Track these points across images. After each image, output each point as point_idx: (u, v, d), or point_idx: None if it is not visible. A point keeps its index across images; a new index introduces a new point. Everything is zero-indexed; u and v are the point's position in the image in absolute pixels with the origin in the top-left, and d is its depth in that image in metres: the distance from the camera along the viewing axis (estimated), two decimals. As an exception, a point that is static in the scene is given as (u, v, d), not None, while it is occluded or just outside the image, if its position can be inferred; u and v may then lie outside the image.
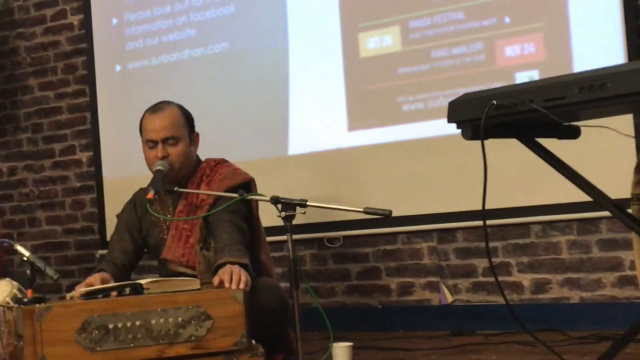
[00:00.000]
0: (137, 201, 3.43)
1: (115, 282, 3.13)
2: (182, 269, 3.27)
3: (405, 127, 4.27)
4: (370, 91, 4.38)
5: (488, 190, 2.34)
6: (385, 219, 3.12)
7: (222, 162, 3.43)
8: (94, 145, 5.20)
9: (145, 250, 3.47)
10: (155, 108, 3.38)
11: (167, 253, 3.32)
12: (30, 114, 5.50)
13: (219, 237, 3.15)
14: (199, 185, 3.32)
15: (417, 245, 4.29)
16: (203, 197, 3.27)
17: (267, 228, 3.43)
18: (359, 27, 4.41)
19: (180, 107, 3.40)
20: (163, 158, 3.27)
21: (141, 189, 3.46)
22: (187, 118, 3.39)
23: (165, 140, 3.30)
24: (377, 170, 4.33)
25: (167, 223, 3.34)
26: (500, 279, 4.05)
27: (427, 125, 4.21)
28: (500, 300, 4.00)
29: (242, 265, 2.94)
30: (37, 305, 2.58)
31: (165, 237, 3.35)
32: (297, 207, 3.01)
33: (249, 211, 3.31)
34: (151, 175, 3.31)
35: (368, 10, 4.38)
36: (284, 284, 3.36)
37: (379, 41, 4.36)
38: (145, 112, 3.39)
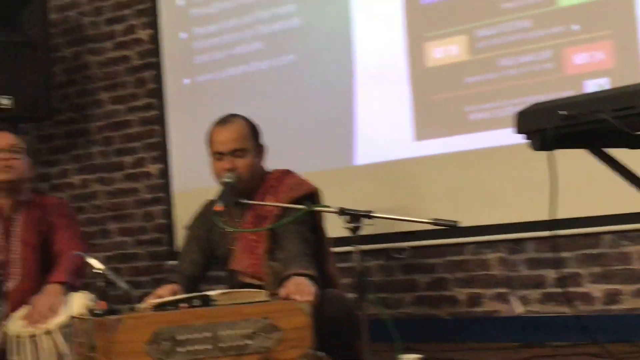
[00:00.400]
0: (206, 213, 3.47)
1: (185, 293, 3.17)
2: (249, 280, 3.30)
3: (473, 137, 4.24)
4: (436, 101, 4.37)
5: (557, 199, 2.32)
6: (453, 229, 3.10)
7: (288, 172, 3.45)
8: (164, 158, 5.27)
9: (214, 261, 3.51)
10: (223, 120, 3.42)
11: (235, 264, 3.35)
12: (101, 127, 5.61)
13: (285, 248, 3.17)
14: (265, 196, 3.35)
15: (486, 255, 4.25)
16: (270, 208, 3.29)
17: (333, 238, 3.44)
18: (425, 36, 4.40)
19: (247, 120, 3.44)
20: (230, 170, 3.31)
21: (209, 200, 3.50)
22: (254, 130, 3.42)
23: (232, 153, 3.33)
24: (444, 180, 4.30)
25: (235, 234, 3.37)
26: (570, 289, 3.99)
27: (494, 134, 4.17)
28: (570, 311, 3.94)
29: (309, 277, 2.95)
30: (109, 317, 2.63)
31: (233, 248, 3.38)
32: (363, 219, 3.01)
33: (315, 222, 3.33)
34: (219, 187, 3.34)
35: (434, 20, 4.36)
36: (352, 295, 3.36)
37: (446, 50, 4.34)
38: (213, 124, 3.43)
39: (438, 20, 4.35)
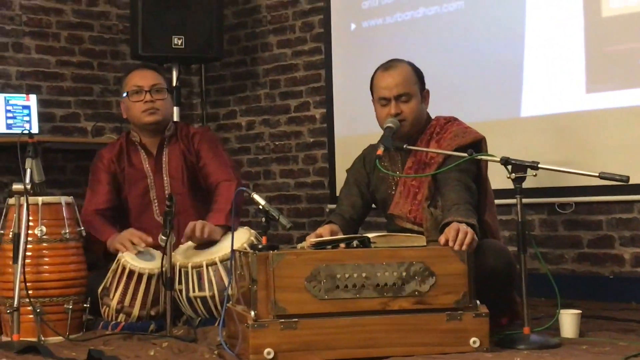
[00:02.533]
0: (367, 157, 3.48)
1: (344, 233, 3.21)
2: (409, 225, 3.29)
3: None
4: (611, 52, 4.18)
5: None
6: (622, 185, 2.98)
7: (453, 120, 3.39)
8: (327, 103, 5.32)
9: (374, 205, 3.53)
10: (387, 66, 3.39)
11: (394, 209, 3.36)
12: (268, 70, 5.71)
13: (446, 195, 3.14)
14: (429, 142, 3.32)
15: (655, 215, 4.08)
16: (432, 155, 3.26)
17: (495, 190, 3.38)
18: (602, -16, 4.21)
19: (411, 65, 3.41)
20: (396, 115, 3.29)
21: (371, 145, 3.50)
22: (419, 75, 3.39)
23: (397, 98, 3.31)
24: (615, 135, 4.13)
25: (396, 179, 3.37)
26: None
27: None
28: None
29: (469, 225, 2.92)
30: (271, 252, 2.70)
31: (393, 192, 3.38)
32: (528, 170, 2.94)
33: (478, 171, 3.28)
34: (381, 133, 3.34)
35: (613, -33, 4.17)
36: (511, 248, 3.31)
37: (624, 0, 4.14)
38: (377, 69, 3.41)
39: (617, -33, 4.15)
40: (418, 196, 3.28)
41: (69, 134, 5.47)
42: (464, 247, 2.78)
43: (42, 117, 5.24)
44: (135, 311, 3.30)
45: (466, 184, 3.16)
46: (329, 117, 5.31)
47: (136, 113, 3.68)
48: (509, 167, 2.95)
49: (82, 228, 3.32)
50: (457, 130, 3.29)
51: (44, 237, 3.19)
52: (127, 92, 3.70)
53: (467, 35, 4.68)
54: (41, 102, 5.29)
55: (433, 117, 3.42)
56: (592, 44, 4.23)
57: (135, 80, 3.71)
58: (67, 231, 3.24)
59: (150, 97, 3.66)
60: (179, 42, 5.16)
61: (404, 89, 3.31)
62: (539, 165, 2.95)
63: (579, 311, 3.08)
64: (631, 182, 2.92)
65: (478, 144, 3.26)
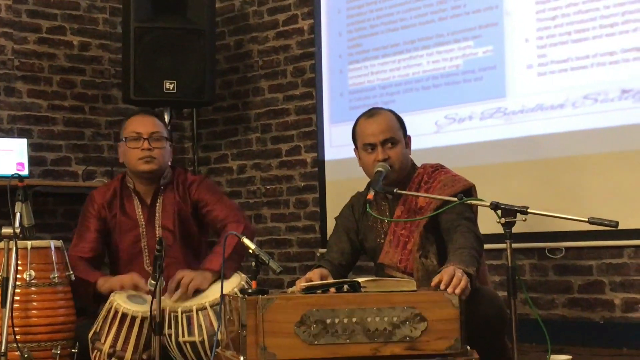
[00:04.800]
0: (355, 204, 3.48)
1: (334, 279, 3.20)
2: (399, 275, 3.27)
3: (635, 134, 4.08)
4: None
5: None
6: (611, 230, 2.99)
7: (440, 167, 3.39)
8: (318, 147, 5.34)
9: (362, 253, 3.52)
10: (370, 113, 3.41)
11: (384, 258, 3.34)
12: (260, 114, 5.74)
13: (455, 240, 3.10)
14: (417, 191, 3.31)
15: (646, 260, 4.09)
16: (422, 203, 3.25)
17: (485, 235, 3.37)
18: None
19: (393, 112, 3.43)
20: (384, 160, 3.30)
21: (359, 192, 3.50)
22: (400, 121, 3.40)
23: (384, 143, 3.31)
24: (603, 179, 4.15)
25: (385, 228, 3.36)
26: None
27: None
28: None
29: (467, 273, 2.91)
30: (260, 296, 2.68)
31: (382, 241, 3.37)
32: (518, 214, 2.95)
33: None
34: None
35: None
36: (501, 293, 3.30)
37: None
38: (359, 118, 3.42)
39: None
40: (408, 245, 3.27)
41: (59, 177, 5.47)
42: (457, 291, 2.77)
43: (32, 161, 5.24)
44: (128, 355, 3.26)
45: (476, 232, 3.14)
46: (319, 161, 5.33)
47: (132, 160, 3.64)
48: (499, 211, 2.95)
49: (71, 272, 3.30)
50: (446, 179, 3.28)
51: (33, 281, 3.18)
52: (126, 138, 3.66)
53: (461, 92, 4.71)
54: (32, 146, 5.29)
55: (419, 164, 3.42)
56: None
57: (134, 126, 3.67)
58: (56, 275, 3.22)
59: (148, 145, 3.61)
60: (171, 86, 5.19)
61: (389, 134, 3.32)
62: (529, 210, 2.95)
63: (570, 357, 3.08)
64: (621, 227, 2.93)
65: (468, 192, 3.26)
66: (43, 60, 5.49)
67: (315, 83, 5.38)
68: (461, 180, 3.28)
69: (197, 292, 3.39)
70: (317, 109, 5.35)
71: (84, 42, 5.65)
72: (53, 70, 5.52)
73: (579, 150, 4.25)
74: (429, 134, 4.67)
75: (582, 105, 4.26)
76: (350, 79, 5.21)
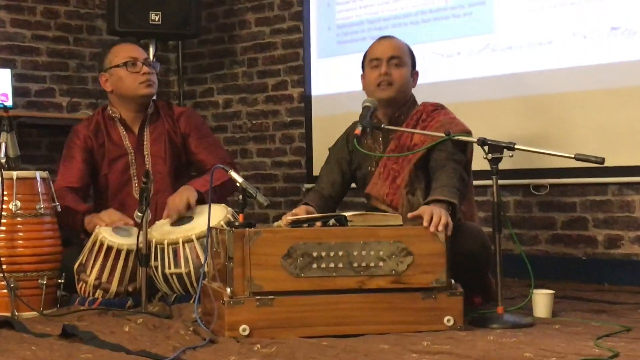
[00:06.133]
0: (350, 135, 3.48)
1: (321, 212, 3.22)
2: (384, 207, 3.29)
3: (624, 72, 4.07)
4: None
5: None
6: (596, 167, 3.01)
7: (440, 107, 3.37)
8: (305, 82, 5.30)
9: (354, 185, 3.53)
10: (383, 36, 3.49)
11: (371, 189, 3.36)
12: (246, 48, 5.68)
13: (438, 178, 3.11)
14: (414, 128, 3.29)
15: (629, 197, 4.11)
16: (416, 140, 3.24)
17: (472, 171, 3.39)
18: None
19: (406, 44, 3.47)
20: (385, 75, 3.31)
21: (354, 122, 3.50)
22: (411, 54, 3.45)
23: (390, 60, 3.34)
24: (592, 116, 4.16)
25: (377, 159, 3.37)
26: None
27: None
28: None
29: (450, 203, 2.93)
30: (248, 229, 2.69)
31: (373, 170, 3.38)
32: (505, 150, 2.95)
33: (466, 160, 3.26)
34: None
35: None
36: (486, 229, 3.33)
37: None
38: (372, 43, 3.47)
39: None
40: (397, 180, 3.27)
41: (43, 109, 5.42)
42: (439, 229, 2.78)
43: (16, 92, 5.19)
44: (113, 287, 3.28)
45: (461, 174, 3.14)
46: (306, 97, 5.30)
47: (132, 84, 3.63)
48: (486, 147, 2.96)
49: (57, 204, 3.29)
50: (444, 120, 3.26)
51: (19, 211, 3.17)
52: (121, 64, 3.63)
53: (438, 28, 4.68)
54: (16, 77, 5.23)
55: (419, 102, 3.41)
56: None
57: (128, 51, 3.66)
58: (42, 206, 3.21)
59: (147, 69, 3.64)
60: (156, 18, 5.12)
61: (397, 53, 3.37)
62: (516, 146, 2.96)
63: (552, 291, 3.11)
64: (606, 164, 2.95)
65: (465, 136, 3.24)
66: (27, -11, 5.40)
67: (302, 16, 5.32)
68: (459, 124, 3.25)
69: (185, 221, 3.40)
70: (305, 43, 5.30)
71: (68, -29, 5.56)
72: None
73: (567, 88, 4.25)
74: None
75: (571, 42, 4.24)
76: (338, 13, 5.15)
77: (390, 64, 3.33)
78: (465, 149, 3.22)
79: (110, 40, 4.72)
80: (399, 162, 3.29)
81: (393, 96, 3.32)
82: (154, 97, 3.76)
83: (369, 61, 3.39)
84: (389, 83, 3.31)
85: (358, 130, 3.20)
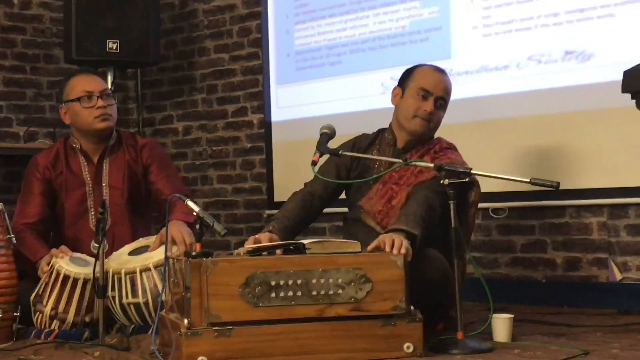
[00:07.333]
0: (357, 143, 3.47)
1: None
2: (372, 224, 3.28)
3: (580, 97, 4.12)
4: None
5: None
6: (553, 191, 3.03)
7: (453, 147, 3.41)
8: (265, 108, 5.30)
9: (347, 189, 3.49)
10: (437, 68, 3.44)
11: (365, 203, 3.36)
12: (205, 75, 5.68)
13: (406, 205, 3.15)
14: (421, 156, 3.32)
15: (586, 219, 4.15)
16: (422, 169, 3.21)
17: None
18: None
19: None
20: (430, 114, 3.30)
21: (363, 134, 3.52)
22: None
23: (438, 99, 3.34)
24: (548, 139, 4.20)
25: (377, 171, 3.35)
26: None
27: (602, 94, 4.04)
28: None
29: (411, 235, 2.93)
30: (205, 259, 2.67)
31: (371, 183, 3.36)
32: (461, 175, 2.97)
33: (465, 204, 3.26)
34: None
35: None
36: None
37: None
38: (420, 65, 3.44)
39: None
40: (393, 201, 3.28)
41: (0, 139, 5.36)
42: (402, 252, 2.78)
43: (-28, 122, 5.14)
44: (70, 317, 3.24)
45: (431, 203, 3.12)
46: (266, 123, 5.30)
47: (87, 119, 3.59)
48: (442, 173, 2.97)
49: (12, 235, 3.25)
50: (453, 159, 3.26)
51: (-27, 244, 3.12)
52: (77, 98, 3.59)
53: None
54: (-28, 107, 5.18)
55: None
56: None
57: (84, 85, 3.62)
58: (-3, 239, 3.17)
59: (102, 102, 3.59)
60: (114, 46, 5.10)
61: (446, 95, 3.37)
62: (472, 172, 2.98)
63: (511, 315, 3.12)
64: (563, 187, 2.97)
65: (472, 182, 3.25)
66: (-19, 19, 5.36)
67: (261, 43, 5.33)
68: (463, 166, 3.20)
69: (142, 251, 3.37)
70: (264, 70, 5.31)
71: (24, 0, 5.52)
72: (-7, 29, 5.40)
73: (523, 112, 4.28)
74: (376, 95, 4.65)
75: (526, 67, 4.29)
76: (296, 39, 5.17)
77: (437, 103, 3.33)
78: (468, 190, 3.24)
79: (68, 69, 4.70)
80: (398, 184, 3.30)
81: (423, 132, 3.34)
82: (114, 128, 3.73)
83: (417, 88, 3.34)
84: (428, 121, 3.32)
85: (316, 157, 3.20)
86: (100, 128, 3.61)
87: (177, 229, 3.32)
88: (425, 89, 3.33)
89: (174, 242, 3.27)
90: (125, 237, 3.56)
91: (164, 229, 3.36)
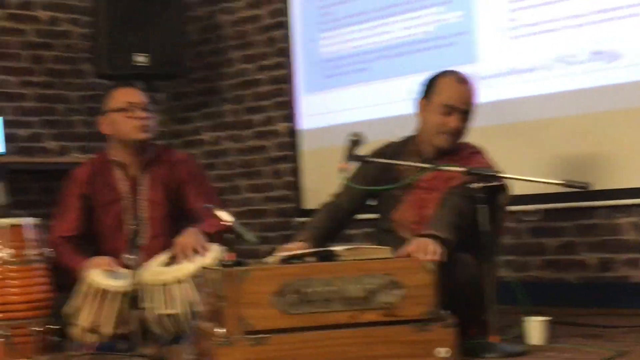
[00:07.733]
0: (386, 152, 3.40)
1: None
2: (406, 234, 3.24)
3: (610, 96, 4.10)
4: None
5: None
6: (584, 192, 3.02)
7: (482, 152, 3.35)
8: (292, 116, 5.33)
9: (371, 202, 3.47)
10: (461, 77, 3.29)
11: (398, 214, 3.33)
12: (232, 85, 5.71)
13: (437, 211, 3.12)
14: (449, 161, 3.23)
15: (619, 220, 4.12)
16: (453, 173, 3.14)
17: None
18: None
19: None
20: (456, 129, 3.24)
21: (392, 142, 3.48)
22: None
23: (463, 112, 3.26)
24: (576, 141, 4.19)
25: (408, 180, 3.28)
26: None
27: (634, 94, 4.02)
28: None
29: (443, 239, 2.92)
30: (238, 268, 2.70)
31: (402, 196, 3.32)
32: (490, 179, 2.97)
33: (494, 210, 3.11)
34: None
35: None
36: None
37: None
38: (443, 75, 3.31)
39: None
40: (425, 210, 3.24)
41: (33, 154, 5.43)
42: (430, 257, 2.79)
43: (5, 138, 5.19)
44: (106, 330, 3.27)
45: (461, 209, 3.09)
46: (294, 131, 5.32)
47: (127, 129, 3.62)
48: (472, 178, 2.97)
49: (49, 249, 3.29)
50: (483, 164, 3.23)
51: (10, 259, 3.17)
52: (117, 108, 3.63)
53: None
54: (5, 123, 5.24)
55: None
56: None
57: (126, 96, 3.67)
58: (32, 253, 3.21)
59: (143, 114, 3.64)
60: (144, 59, 5.15)
61: (471, 107, 3.29)
62: (502, 175, 2.98)
63: (545, 318, 3.11)
64: (594, 188, 2.96)
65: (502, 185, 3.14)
66: (12, 36, 5.42)
67: (287, 52, 5.36)
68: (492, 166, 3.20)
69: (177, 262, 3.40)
70: (290, 79, 5.34)
71: (53, 17, 5.59)
72: (22, 46, 5.46)
73: (551, 113, 4.28)
74: (402, 100, 4.65)
75: (553, 68, 4.28)
76: (322, 47, 5.19)
77: (461, 116, 3.25)
78: (498, 193, 3.14)
79: (98, 84, 4.74)
80: (430, 192, 3.27)
81: (449, 147, 3.30)
82: (152, 142, 3.77)
83: (441, 104, 3.25)
84: (454, 135, 3.27)
85: (344, 165, 3.18)
86: (140, 139, 3.64)
87: (185, 239, 3.37)
88: (449, 105, 3.24)
89: (185, 252, 3.34)
90: (164, 251, 3.58)
91: (177, 239, 3.41)
